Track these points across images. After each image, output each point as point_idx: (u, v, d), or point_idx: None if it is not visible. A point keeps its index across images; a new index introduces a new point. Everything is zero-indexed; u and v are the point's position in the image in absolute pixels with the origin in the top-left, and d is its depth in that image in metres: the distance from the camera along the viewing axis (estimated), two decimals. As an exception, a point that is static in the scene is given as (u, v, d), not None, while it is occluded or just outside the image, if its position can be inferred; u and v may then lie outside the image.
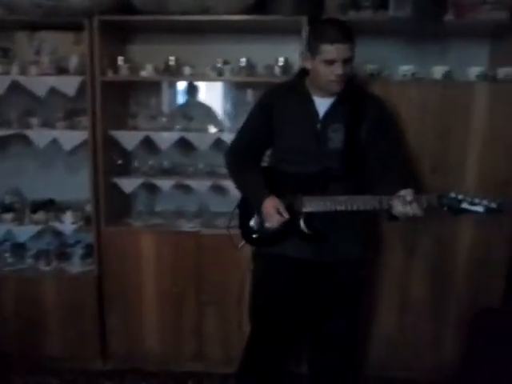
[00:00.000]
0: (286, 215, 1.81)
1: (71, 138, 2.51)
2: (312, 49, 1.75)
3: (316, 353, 2.09)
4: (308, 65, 1.80)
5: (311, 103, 1.85)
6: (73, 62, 2.47)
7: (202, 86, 2.73)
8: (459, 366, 2.40)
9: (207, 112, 2.71)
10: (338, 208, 1.75)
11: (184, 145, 2.59)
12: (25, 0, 2.25)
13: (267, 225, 1.88)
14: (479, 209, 1.60)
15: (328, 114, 1.84)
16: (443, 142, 2.30)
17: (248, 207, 1.98)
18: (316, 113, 1.84)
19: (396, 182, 1.71)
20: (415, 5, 2.11)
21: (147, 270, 2.52)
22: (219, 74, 2.44)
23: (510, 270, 2.41)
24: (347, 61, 1.72)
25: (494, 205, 1.60)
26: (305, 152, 1.85)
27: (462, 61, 2.40)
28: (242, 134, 2.01)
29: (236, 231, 2.06)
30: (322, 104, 1.84)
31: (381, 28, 2.41)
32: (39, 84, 2.44)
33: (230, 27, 2.48)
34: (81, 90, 2.42)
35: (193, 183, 2.54)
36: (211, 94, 2.74)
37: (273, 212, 1.82)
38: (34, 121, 2.56)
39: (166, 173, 2.63)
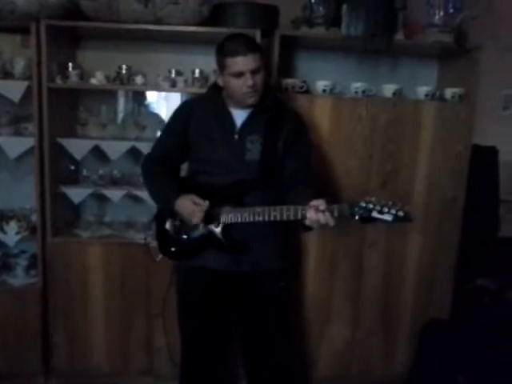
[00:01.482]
0: (205, 203, 1.78)
1: (16, 144, 2.40)
2: (219, 64, 1.79)
3: (251, 368, 2.07)
4: (220, 81, 1.83)
5: (228, 115, 1.86)
6: (18, 66, 2.36)
7: (154, 95, 2.69)
8: (408, 377, 2.47)
9: (159, 121, 2.66)
10: (256, 219, 1.74)
11: (135, 154, 2.53)
12: (-33, 1, 2.15)
13: (194, 221, 1.80)
14: (387, 217, 1.62)
15: (245, 125, 1.85)
16: (392, 158, 2.35)
17: (164, 218, 1.97)
18: (233, 124, 1.85)
19: (309, 193, 1.72)
20: (366, 24, 2.15)
21: (95, 282, 2.45)
22: (172, 85, 2.41)
23: (457, 283, 2.49)
24: (255, 71, 1.74)
25: (401, 213, 1.61)
26: (223, 163, 1.85)
27: (411, 80, 2.49)
28: (158, 144, 2.01)
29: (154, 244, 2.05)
30: (240, 115, 1.86)
31: (333, 45, 2.44)
32: (-18, 88, 2.33)
33: (183, 38, 2.45)
34: (26, 95, 2.32)
35: (144, 194, 2.46)
36: (164, 103, 2.70)
37: (190, 205, 1.79)
38: (-24, 126, 2.45)
39: (116, 183, 2.57)
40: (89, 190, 2.49)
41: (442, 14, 2.23)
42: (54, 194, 2.42)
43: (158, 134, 2.61)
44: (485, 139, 2.70)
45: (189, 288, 2.00)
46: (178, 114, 1.97)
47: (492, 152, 2.83)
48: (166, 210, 1.92)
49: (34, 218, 2.48)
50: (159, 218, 2.00)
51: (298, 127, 1.91)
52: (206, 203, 1.78)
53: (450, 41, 2.23)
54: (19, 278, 2.51)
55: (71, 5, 2.24)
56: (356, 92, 2.34)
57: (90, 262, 2.44)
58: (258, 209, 1.74)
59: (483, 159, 2.71)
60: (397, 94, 2.35)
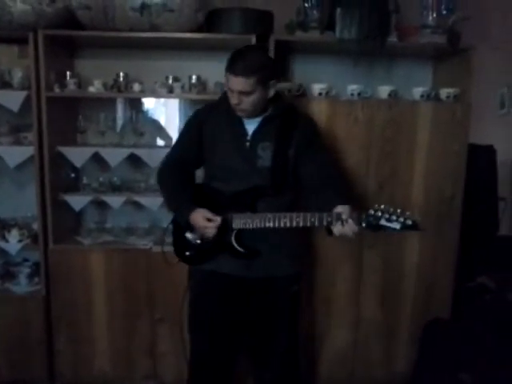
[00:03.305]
0: (217, 219, 1.82)
1: (16, 153, 2.43)
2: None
3: (259, 369, 2.09)
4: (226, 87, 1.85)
5: (239, 122, 1.88)
6: (17, 76, 2.39)
7: (152, 101, 2.72)
8: (411, 377, 2.47)
9: (158, 128, 2.69)
10: (268, 225, 1.76)
11: (134, 161, 2.56)
12: (-35, 12, 2.17)
13: (207, 235, 1.85)
14: (396, 225, 1.64)
15: (256, 132, 1.87)
16: (389, 159, 2.36)
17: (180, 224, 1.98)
18: (245, 131, 1.87)
19: (334, 198, 1.74)
20: (360, 27, 2.18)
21: (97, 288, 2.47)
22: (170, 91, 2.43)
23: (457, 282, 2.50)
24: (243, 93, 1.75)
25: (409, 222, 1.63)
26: (235, 170, 1.87)
27: (406, 81, 2.50)
28: (173, 151, 2.03)
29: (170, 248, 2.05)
30: (251, 123, 1.87)
31: (328, 48, 2.46)
32: (-19, 98, 2.36)
33: (179, 44, 2.47)
34: (25, 104, 2.35)
35: (144, 200, 2.51)
36: (162, 109, 2.73)
37: (202, 222, 1.82)
38: (-24, 136, 2.47)
39: (116, 189, 2.59)
40: (89, 197, 2.51)
41: (434, 15, 2.25)
42: (54, 202, 2.44)
43: (157, 140, 2.69)
44: (482, 138, 2.72)
45: (202, 292, 2.00)
46: (190, 122, 1.99)
47: (490, 151, 2.85)
48: (180, 221, 1.93)
49: (36, 225, 2.49)
50: (176, 223, 2.02)
51: (310, 132, 1.92)
52: (218, 220, 1.82)
53: (443, 42, 2.25)
54: (22, 285, 2.53)
55: (67, 14, 2.27)
56: (352, 94, 2.36)
57: (92, 269, 2.45)
58: (270, 215, 1.76)
59: (481, 158, 2.73)
60: (392, 95, 2.36)
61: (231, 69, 1.73)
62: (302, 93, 2.37)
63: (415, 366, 2.47)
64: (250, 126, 1.87)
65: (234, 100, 1.77)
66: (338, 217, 1.66)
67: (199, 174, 2.10)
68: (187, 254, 1.98)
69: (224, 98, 1.89)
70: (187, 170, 2.01)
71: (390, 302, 2.48)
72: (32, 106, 2.33)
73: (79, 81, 2.44)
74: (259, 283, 1.93)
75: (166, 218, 2.71)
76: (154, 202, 2.49)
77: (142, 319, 2.49)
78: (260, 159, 1.85)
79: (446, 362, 2.31)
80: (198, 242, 1.92)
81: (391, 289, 2.47)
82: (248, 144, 1.86)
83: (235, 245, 1.86)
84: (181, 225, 1.94)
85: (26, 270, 2.56)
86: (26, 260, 2.66)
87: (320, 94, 2.34)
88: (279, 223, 1.75)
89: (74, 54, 2.64)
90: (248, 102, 1.77)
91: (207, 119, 1.93)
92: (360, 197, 2.28)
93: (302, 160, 1.86)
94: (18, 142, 2.48)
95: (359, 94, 2.35)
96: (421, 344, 2.45)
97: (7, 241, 2.48)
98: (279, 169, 1.85)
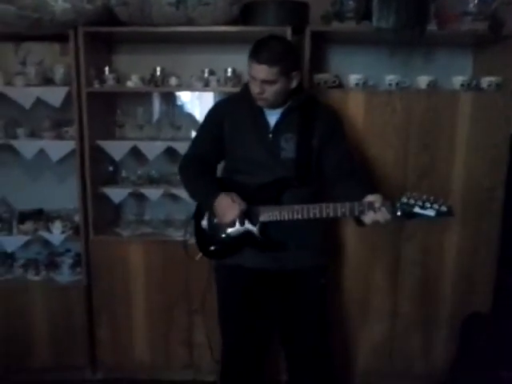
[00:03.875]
0: (243, 203, 1.80)
1: (58, 148, 2.51)
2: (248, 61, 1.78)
3: (292, 361, 2.10)
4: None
5: (262, 114, 1.86)
6: (58, 72, 2.46)
7: (188, 95, 2.74)
8: (449, 372, 2.44)
9: (193, 121, 2.71)
10: (296, 216, 1.75)
11: (172, 154, 2.60)
12: (9, 12, 2.24)
13: (225, 221, 1.82)
14: (430, 213, 1.61)
15: (279, 123, 1.85)
16: (429, 150, 2.32)
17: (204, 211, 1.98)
18: (267, 123, 1.86)
19: (362, 187, 1.73)
20: (398, 16, 2.13)
21: (136, 279, 2.53)
22: (205, 85, 2.45)
23: (498, 274, 2.44)
24: (266, 82, 1.73)
25: (444, 208, 1.61)
26: (258, 162, 1.86)
27: (446, 70, 2.43)
28: (194, 144, 2.02)
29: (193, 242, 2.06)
30: (273, 114, 1.86)
31: (365, 38, 2.43)
32: (25, 95, 2.44)
33: (214, 38, 2.49)
34: (67, 100, 2.42)
35: (181, 192, 2.53)
36: (198, 103, 2.75)
37: (228, 202, 1.78)
38: (21, 131, 2.56)
39: (154, 182, 2.64)
40: (128, 190, 2.57)
41: (476, 1, 2.17)
42: (95, 195, 2.51)
43: (193, 133, 2.70)
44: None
45: (228, 286, 2.02)
46: (211, 115, 1.99)
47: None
48: (206, 206, 1.91)
49: (77, 217, 2.57)
50: (197, 217, 2.02)
51: (333, 122, 1.90)
52: (244, 205, 1.80)
53: (484, 29, 2.17)
54: (65, 275, 2.62)
55: (106, 11, 2.31)
56: (390, 85, 2.32)
57: (130, 260, 2.52)
58: (297, 206, 1.75)
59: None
60: (431, 85, 2.31)
61: (255, 57, 1.72)
62: (338, 84, 2.35)
63: (454, 361, 2.43)
64: (272, 118, 1.86)
65: (256, 89, 1.76)
66: (371, 206, 1.64)
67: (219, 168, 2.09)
68: (211, 248, 1.97)
69: (245, 89, 1.88)
70: (209, 164, 1.98)
71: (428, 295, 2.45)
72: (73, 101, 2.39)
73: (117, 76, 2.49)
74: (285, 276, 1.92)
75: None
76: (190, 194, 2.52)
77: (179, 309, 2.54)
78: (283, 151, 1.84)
79: (486, 358, 2.26)
80: (223, 235, 1.90)
81: (430, 282, 2.43)
82: (271, 136, 1.85)
83: (260, 237, 1.85)
84: (204, 213, 1.94)
85: (68, 261, 2.65)
86: (68, 251, 2.75)
87: (357, 84, 2.31)
88: (308, 214, 1.73)
89: (112, 50, 2.69)
90: (270, 91, 1.75)
91: (228, 111, 1.92)
92: (399, 188, 2.24)
93: (326, 150, 1.85)
94: (59, 137, 2.55)
95: (397, 85, 2.31)
96: (460, 339, 2.41)
97: (51, 232, 2.56)
98: (303, 160, 1.83)
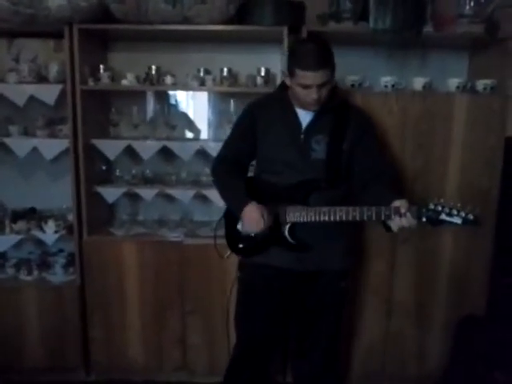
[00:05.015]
0: (268, 219, 1.81)
1: (52, 146, 2.48)
2: (289, 70, 1.76)
3: (299, 361, 2.11)
4: (287, 82, 1.82)
5: (294, 115, 1.87)
6: (53, 70, 2.44)
7: (184, 94, 2.73)
8: (444, 373, 2.44)
9: (189, 121, 2.70)
10: (323, 218, 1.76)
11: (167, 154, 2.58)
12: (2, 8, 2.21)
13: (246, 230, 1.87)
14: (457, 220, 1.62)
15: (311, 125, 1.85)
16: (424, 152, 2.32)
17: (234, 216, 1.98)
18: (299, 124, 1.86)
19: (389, 192, 1.74)
20: (395, 17, 2.13)
21: (130, 279, 2.51)
22: (201, 84, 2.44)
23: (493, 278, 2.45)
24: (323, 85, 1.73)
25: (471, 216, 1.62)
26: (288, 163, 1.86)
27: (441, 72, 2.44)
28: (227, 144, 2.02)
29: (222, 240, 2.05)
30: (305, 115, 1.86)
31: (361, 39, 2.43)
32: (18, 92, 2.42)
33: (211, 37, 2.48)
34: (61, 98, 2.39)
35: (176, 192, 2.53)
36: (193, 102, 2.74)
37: (254, 216, 1.81)
38: (14, 129, 2.53)
39: (148, 182, 2.62)
40: (122, 190, 2.55)
41: (472, 4, 2.18)
42: (88, 194, 2.49)
43: (188, 133, 2.70)
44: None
45: (253, 284, 2.01)
46: (244, 116, 1.99)
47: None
48: (235, 212, 1.92)
49: (71, 217, 2.55)
50: (228, 216, 2.02)
51: (364, 124, 1.91)
52: (271, 221, 1.83)
53: (480, 31, 2.18)
54: (58, 275, 2.59)
55: (101, 8, 2.29)
56: (385, 86, 2.32)
57: (124, 260, 2.49)
58: (325, 208, 1.75)
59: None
60: (427, 86, 2.32)
61: (306, 66, 1.69)
62: (335, 85, 2.34)
63: (448, 362, 2.44)
64: (304, 119, 1.86)
65: (313, 95, 1.73)
66: (397, 211, 1.65)
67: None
68: (240, 246, 1.98)
69: (280, 89, 1.90)
70: (241, 164, 2.00)
71: (422, 297, 2.45)
72: (67, 99, 2.37)
73: (112, 74, 2.47)
74: (308, 276, 1.93)
75: (197, 211, 2.78)
76: (185, 194, 2.51)
77: (172, 310, 2.52)
78: (314, 152, 1.84)
79: (480, 359, 2.27)
80: (252, 234, 1.91)
81: (424, 284, 2.43)
82: (302, 137, 1.85)
83: (289, 238, 1.86)
84: (234, 216, 1.94)
85: (61, 260, 2.62)
86: (61, 250, 2.73)
87: (352, 85, 2.31)
88: (334, 217, 1.74)
89: (107, 48, 2.67)
90: (325, 92, 1.76)
91: (261, 112, 1.92)
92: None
93: (356, 154, 1.85)
94: (53, 135, 2.53)
95: (393, 86, 2.31)
96: (454, 340, 2.41)
97: (44, 231, 2.54)
98: (333, 162, 1.84)
